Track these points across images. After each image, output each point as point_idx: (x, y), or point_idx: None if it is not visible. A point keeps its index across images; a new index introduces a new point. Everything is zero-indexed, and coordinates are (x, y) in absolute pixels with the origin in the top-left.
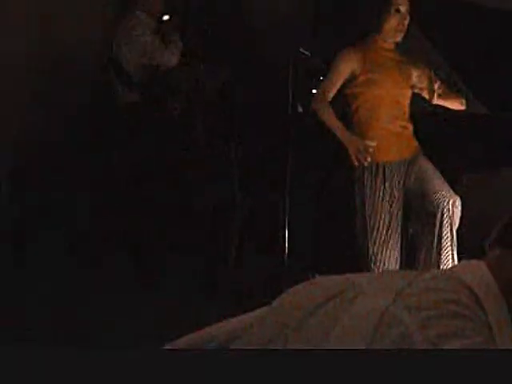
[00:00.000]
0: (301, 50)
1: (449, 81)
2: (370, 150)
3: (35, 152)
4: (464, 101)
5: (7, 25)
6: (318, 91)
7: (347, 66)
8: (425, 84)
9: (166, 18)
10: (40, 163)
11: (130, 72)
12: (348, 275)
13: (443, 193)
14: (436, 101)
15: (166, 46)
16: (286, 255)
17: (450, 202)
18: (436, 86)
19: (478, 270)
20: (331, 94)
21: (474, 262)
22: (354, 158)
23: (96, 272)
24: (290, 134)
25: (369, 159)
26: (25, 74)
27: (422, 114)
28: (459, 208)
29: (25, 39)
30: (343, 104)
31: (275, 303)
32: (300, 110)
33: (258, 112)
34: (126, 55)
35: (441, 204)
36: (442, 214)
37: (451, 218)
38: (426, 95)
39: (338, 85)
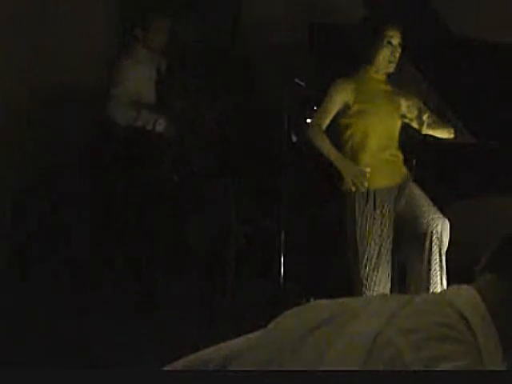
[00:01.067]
0: (296, 80)
1: (438, 111)
2: (368, 170)
3: (36, 178)
4: (452, 130)
5: (8, 56)
6: (312, 120)
7: (341, 97)
8: (414, 114)
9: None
10: (41, 189)
11: (127, 106)
12: (342, 299)
13: (432, 217)
14: (425, 130)
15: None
16: (282, 280)
17: (439, 226)
18: (425, 117)
19: (468, 294)
20: (325, 123)
21: (464, 286)
22: (350, 183)
23: (96, 297)
24: (284, 162)
25: (365, 184)
26: (26, 102)
27: (412, 142)
28: (448, 232)
29: (25, 66)
30: (336, 133)
31: (271, 326)
32: (294, 139)
33: (254, 141)
34: (126, 89)
35: (429, 228)
36: (431, 238)
37: (440, 241)
38: (415, 125)
39: (332, 114)
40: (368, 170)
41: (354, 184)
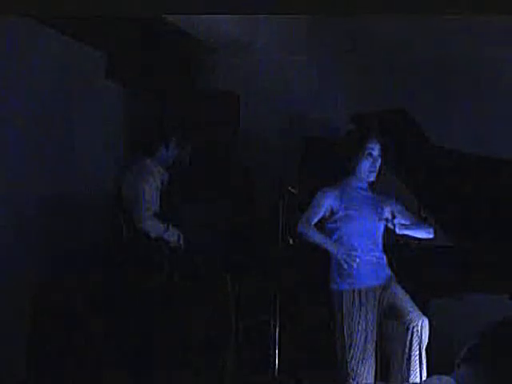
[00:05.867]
0: (289, 188)
1: (419, 214)
2: (359, 252)
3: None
4: (432, 230)
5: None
6: (301, 218)
7: (327, 202)
8: (394, 217)
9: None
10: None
11: (133, 216)
12: None
13: (413, 315)
14: (401, 231)
15: (167, 227)
16: (276, 371)
17: (419, 324)
18: (403, 219)
19: (448, 383)
20: (313, 222)
21: (444, 376)
22: (342, 262)
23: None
24: (280, 263)
25: (357, 260)
26: (38, 213)
27: (396, 245)
28: (427, 329)
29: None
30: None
31: None
32: (291, 242)
33: (251, 244)
34: (149, 202)
35: (411, 325)
36: (412, 335)
37: (420, 338)
38: (391, 226)
39: (319, 216)
40: (359, 251)
41: (345, 262)
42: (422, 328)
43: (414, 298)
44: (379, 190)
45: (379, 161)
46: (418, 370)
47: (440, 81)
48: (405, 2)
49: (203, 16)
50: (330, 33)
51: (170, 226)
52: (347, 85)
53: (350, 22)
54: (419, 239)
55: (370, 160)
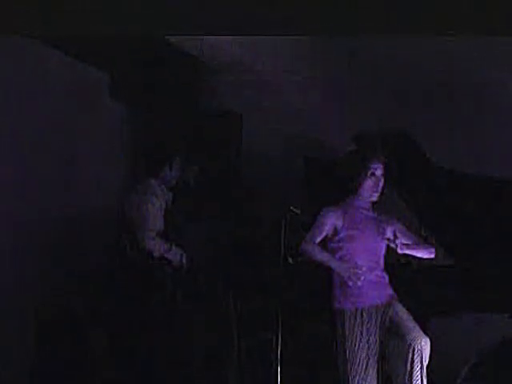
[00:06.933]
0: (291, 208)
1: (420, 234)
2: (363, 269)
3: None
4: (433, 250)
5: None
6: (305, 237)
7: (331, 221)
8: (396, 237)
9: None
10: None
11: (136, 236)
12: None
13: (414, 334)
14: (402, 251)
15: (170, 247)
16: None
17: (421, 342)
18: (405, 239)
19: None
20: (317, 241)
21: None
22: (347, 279)
23: None
24: (280, 283)
25: (362, 278)
26: (39, 232)
27: (397, 264)
28: (428, 348)
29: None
30: None
31: None
32: (290, 261)
33: (253, 263)
34: (154, 222)
35: (412, 344)
36: (413, 353)
37: (421, 357)
38: (393, 245)
39: (323, 235)
40: (364, 268)
41: (350, 279)
42: (423, 346)
43: (414, 317)
44: (380, 209)
45: (382, 181)
46: None
47: (441, 101)
48: (407, 23)
49: (206, 37)
50: (332, 53)
51: (173, 246)
52: (349, 105)
53: (352, 43)
54: (420, 258)
55: (374, 180)
